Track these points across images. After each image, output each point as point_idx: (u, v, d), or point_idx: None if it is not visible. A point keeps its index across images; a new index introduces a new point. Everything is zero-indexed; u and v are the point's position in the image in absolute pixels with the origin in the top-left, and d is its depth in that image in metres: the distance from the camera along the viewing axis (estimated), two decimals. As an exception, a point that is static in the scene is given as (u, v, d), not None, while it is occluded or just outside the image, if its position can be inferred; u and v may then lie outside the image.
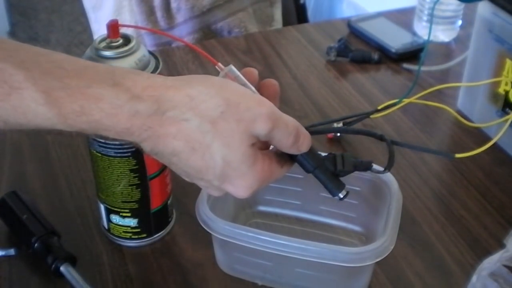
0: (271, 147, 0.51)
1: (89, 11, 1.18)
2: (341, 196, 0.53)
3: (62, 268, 0.61)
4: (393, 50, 1.00)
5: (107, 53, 0.56)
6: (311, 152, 0.52)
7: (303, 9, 1.43)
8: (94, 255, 0.66)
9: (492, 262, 0.52)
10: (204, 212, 0.58)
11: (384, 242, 0.55)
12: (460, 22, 1.06)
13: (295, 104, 0.90)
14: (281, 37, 1.10)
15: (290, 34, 1.11)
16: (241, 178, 0.47)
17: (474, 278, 0.53)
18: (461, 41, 1.07)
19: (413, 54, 1.01)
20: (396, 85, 0.96)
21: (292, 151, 0.50)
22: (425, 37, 1.05)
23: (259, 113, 0.46)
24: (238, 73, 0.52)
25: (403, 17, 1.12)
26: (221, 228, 0.57)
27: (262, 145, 0.50)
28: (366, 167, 0.55)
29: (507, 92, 0.78)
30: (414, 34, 1.06)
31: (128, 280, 0.63)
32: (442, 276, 0.63)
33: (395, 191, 0.60)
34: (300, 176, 0.55)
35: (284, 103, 0.90)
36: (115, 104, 0.44)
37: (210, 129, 0.45)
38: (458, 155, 0.63)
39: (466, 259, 0.65)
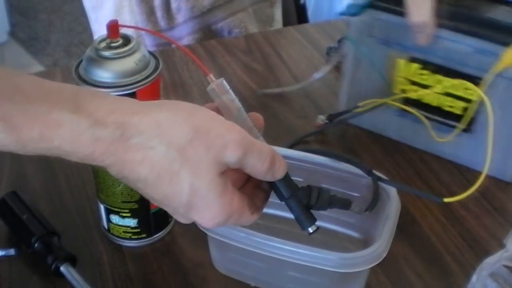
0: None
1: (89, 11, 1.18)
2: (310, 231, 0.51)
3: (62, 268, 0.61)
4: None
5: (107, 53, 0.56)
6: (286, 180, 0.50)
7: (303, 9, 1.43)
8: (94, 255, 0.66)
9: (492, 262, 0.52)
10: None
11: (378, 249, 0.54)
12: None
13: (295, 104, 0.90)
14: (281, 37, 1.10)
15: (290, 34, 1.11)
16: (207, 208, 0.46)
17: (474, 278, 0.53)
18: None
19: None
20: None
21: (267, 177, 0.49)
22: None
23: (229, 140, 0.45)
24: (228, 87, 0.51)
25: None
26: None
27: (236, 180, 0.49)
28: (344, 205, 0.53)
29: (404, 91, 0.78)
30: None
31: (128, 280, 0.63)
32: (442, 276, 0.63)
33: (394, 197, 0.59)
34: (300, 179, 0.54)
35: (284, 103, 0.90)
36: (75, 130, 0.43)
37: (177, 157, 0.44)
38: (446, 200, 0.61)
39: (466, 259, 0.65)
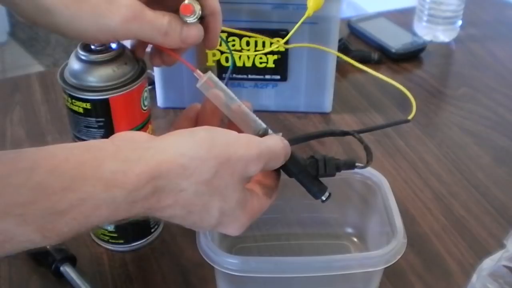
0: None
1: (89, 11, 1.18)
2: (324, 199, 0.53)
3: (62, 268, 0.61)
4: (393, 50, 1.00)
5: (85, 57, 0.56)
6: (294, 158, 0.52)
7: (303, 9, 1.43)
8: (94, 255, 0.66)
9: (492, 262, 0.52)
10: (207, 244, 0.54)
11: (402, 238, 0.54)
12: (460, 22, 1.06)
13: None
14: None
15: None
16: (234, 221, 0.48)
17: (474, 278, 0.53)
18: (461, 41, 1.07)
19: (413, 54, 1.02)
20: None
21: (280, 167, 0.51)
22: (426, 37, 1.05)
23: (250, 158, 0.46)
24: (217, 79, 0.52)
25: (403, 17, 1.12)
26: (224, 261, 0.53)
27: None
28: (350, 166, 0.54)
29: (218, 61, 0.82)
30: (414, 34, 1.06)
31: (128, 280, 0.63)
32: (442, 276, 0.63)
33: (384, 184, 0.60)
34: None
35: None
36: (112, 206, 0.42)
37: (206, 191, 0.45)
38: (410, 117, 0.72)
39: (466, 259, 0.65)
